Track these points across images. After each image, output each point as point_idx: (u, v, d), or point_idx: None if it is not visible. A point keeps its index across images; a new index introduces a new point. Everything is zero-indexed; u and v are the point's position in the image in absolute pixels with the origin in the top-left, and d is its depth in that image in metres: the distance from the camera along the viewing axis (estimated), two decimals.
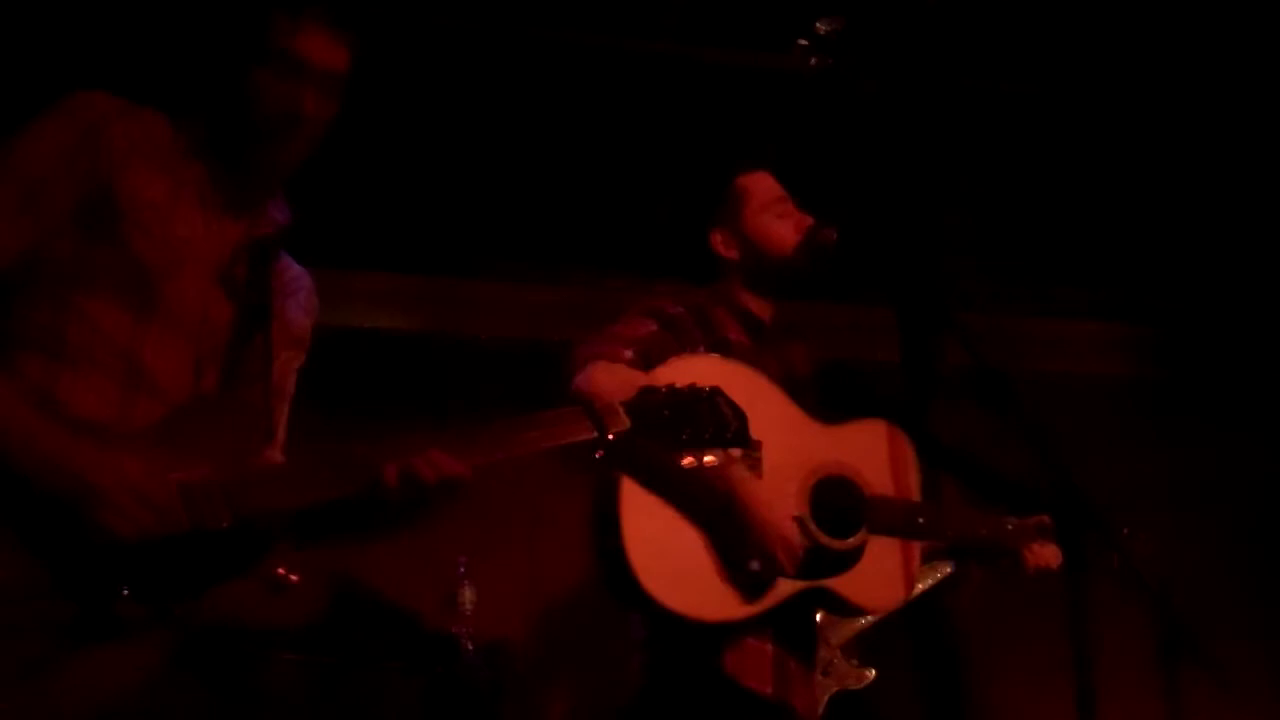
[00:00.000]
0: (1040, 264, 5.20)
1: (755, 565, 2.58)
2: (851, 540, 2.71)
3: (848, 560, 2.70)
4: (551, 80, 4.36)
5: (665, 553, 2.55)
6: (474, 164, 4.55)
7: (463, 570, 4.09)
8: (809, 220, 2.91)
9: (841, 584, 2.70)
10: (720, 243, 2.95)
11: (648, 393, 2.20)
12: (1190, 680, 2.57)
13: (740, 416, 2.20)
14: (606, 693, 2.96)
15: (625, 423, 2.14)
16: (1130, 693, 2.98)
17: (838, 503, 2.73)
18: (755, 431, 2.54)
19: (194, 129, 2.14)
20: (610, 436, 2.12)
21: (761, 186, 2.97)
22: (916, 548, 2.86)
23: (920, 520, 2.82)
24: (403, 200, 4.65)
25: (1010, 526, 2.94)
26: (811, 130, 4.31)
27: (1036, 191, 4.89)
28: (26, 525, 1.81)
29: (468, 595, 4.04)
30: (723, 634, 2.61)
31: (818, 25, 2.99)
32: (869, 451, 2.84)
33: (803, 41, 2.98)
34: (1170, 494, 5.11)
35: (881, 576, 2.76)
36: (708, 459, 2.19)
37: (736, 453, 2.22)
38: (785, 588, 2.63)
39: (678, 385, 2.22)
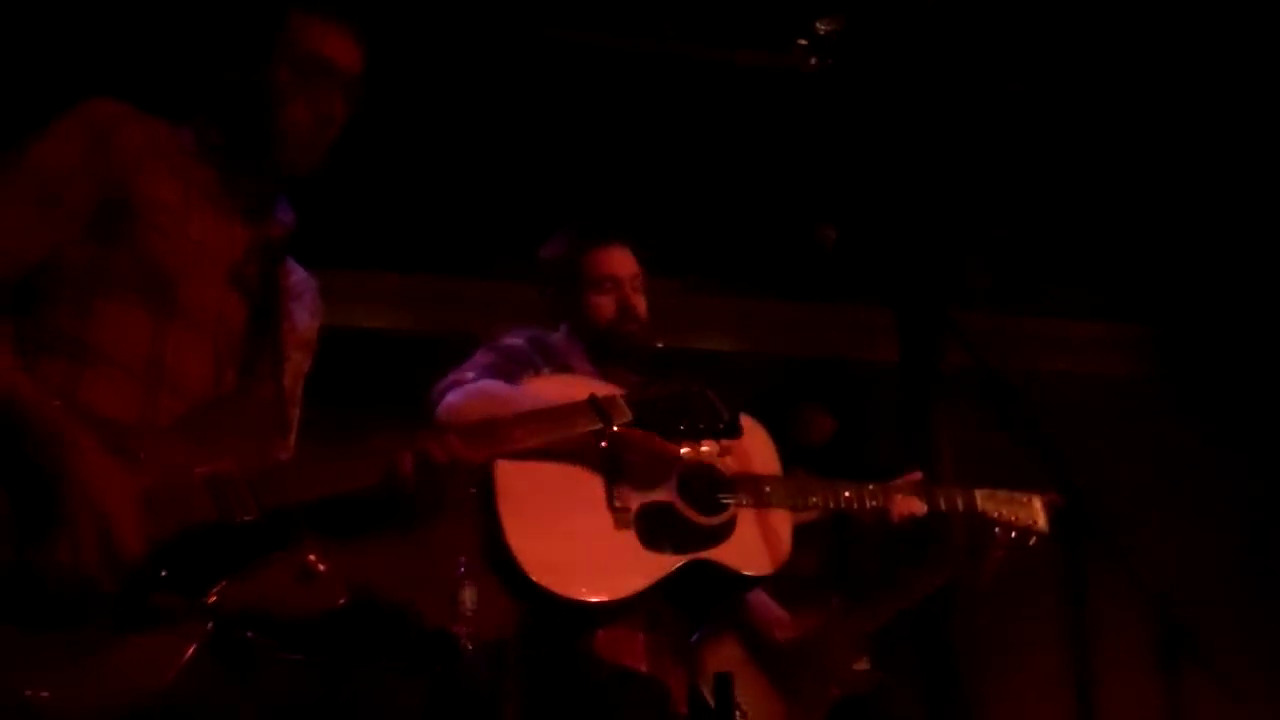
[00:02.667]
0: (1040, 264, 5.21)
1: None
2: (721, 516, 2.84)
3: (721, 533, 2.83)
4: (551, 80, 4.36)
5: (547, 540, 2.65)
6: (474, 164, 4.56)
7: (463, 570, 4.09)
8: (636, 304, 3.02)
9: (719, 554, 2.82)
10: (549, 301, 3.10)
11: (646, 386, 2.30)
12: (1190, 680, 2.57)
13: (731, 409, 2.27)
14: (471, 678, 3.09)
15: (628, 414, 2.22)
16: (1130, 693, 2.98)
17: (703, 486, 2.85)
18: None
19: (202, 133, 2.15)
20: (615, 427, 2.21)
21: (597, 263, 3.07)
22: (788, 517, 2.98)
23: (766, 489, 2.95)
24: (403, 200, 4.66)
25: (870, 486, 3.06)
26: (812, 129, 4.32)
27: (1037, 191, 4.89)
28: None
29: (468, 595, 4.03)
30: (604, 616, 2.73)
31: (818, 25, 3.00)
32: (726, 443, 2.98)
33: (803, 41, 2.99)
34: (1170, 493, 5.11)
35: (756, 544, 2.89)
36: (704, 448, 2.26)
37: (729, 443, 2.28)
38: (668, 562, 2.75)
39: (668, 381, 2.28)
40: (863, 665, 3.41)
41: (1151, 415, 5.32)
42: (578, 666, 2.76)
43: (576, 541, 2.69)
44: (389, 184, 4.56)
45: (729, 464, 2.90)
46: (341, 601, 1.98)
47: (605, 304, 3.05)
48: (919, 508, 3.07)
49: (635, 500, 2.75)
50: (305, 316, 2.30)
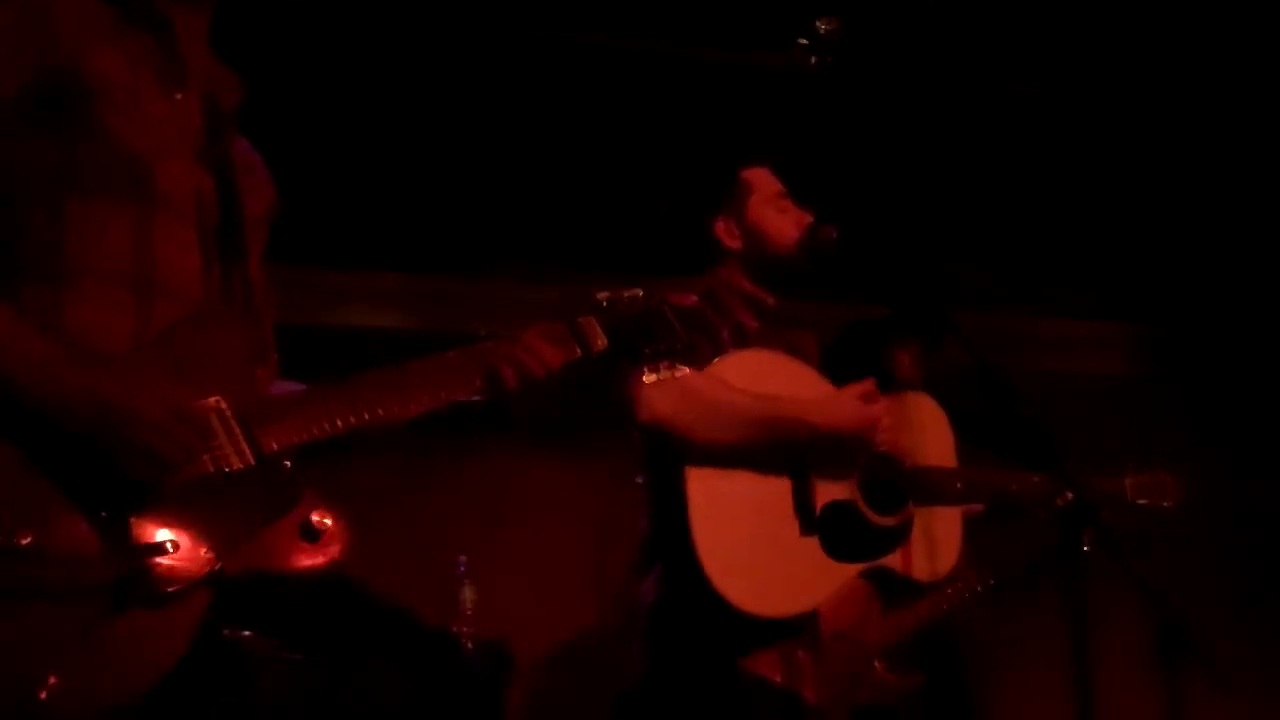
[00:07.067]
0: (1040, 264, 5.20)
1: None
2: (900, 515, 2.75)
3: (899, 535, 2.75)
4: (552, 80, 4.36)
5: (740, 558, 2.57)
6: (475, 164, 4.55)
7: (463, 570, 4.09)
8: (808, 218, 2.93)
9: (895, 561, 2.74)
10: (723, 231, 2.95)
11: (614, 303, 2.14)
12: (1190, 680, 2.57)
13: (688, 328, 2.18)
14: (608, 680, 2.98)
15: (603, 340, 2.08)
16: (1130, 693, 2.98)
17: (884, 479, 2.77)
18: None
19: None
20: (595, 355, 2.07)
21: (763, 180, 2.99)
22: (958, 512, 2.90)
23: (959, 485, 2.88)
24: (403, 200, 4.66)
25: (1035, 479, 2.96)
26: (812, 129, 4.31)
27: (1037, 191, 4.89)
28: (65, 475, 1.66)
29: (468, 595, 4.04)
30: (785, 631, 2.65)
31: (818, 24, 2.99)
32: (907, 424, 2.89)
33: (803, 41, 2.98)
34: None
35: (929, 547, 2.81)
36: (665, 372, 2.17)
37: (684, 370, 2.21)
38: (847, 570, 2.67)
39: (627, 295, 2.16)
40: (892, 675, 3.35)
41: (1151, 415, 5.31)
42: (713, 673, 2.64)
43: (768, 554, 2.60)
44: (390, 184, 4.56)
45: (910, 453, 2.80)
46: (316, 614, 1.90)
47: (788, 224, 2.92)
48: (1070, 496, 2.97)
49: (819, 498, 2.67)
50: (258, 189, 2.11)
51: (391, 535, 4.26)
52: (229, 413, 1.77)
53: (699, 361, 2.70)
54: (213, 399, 1.77)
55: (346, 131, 4.21)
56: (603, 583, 4.39)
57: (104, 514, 1.67)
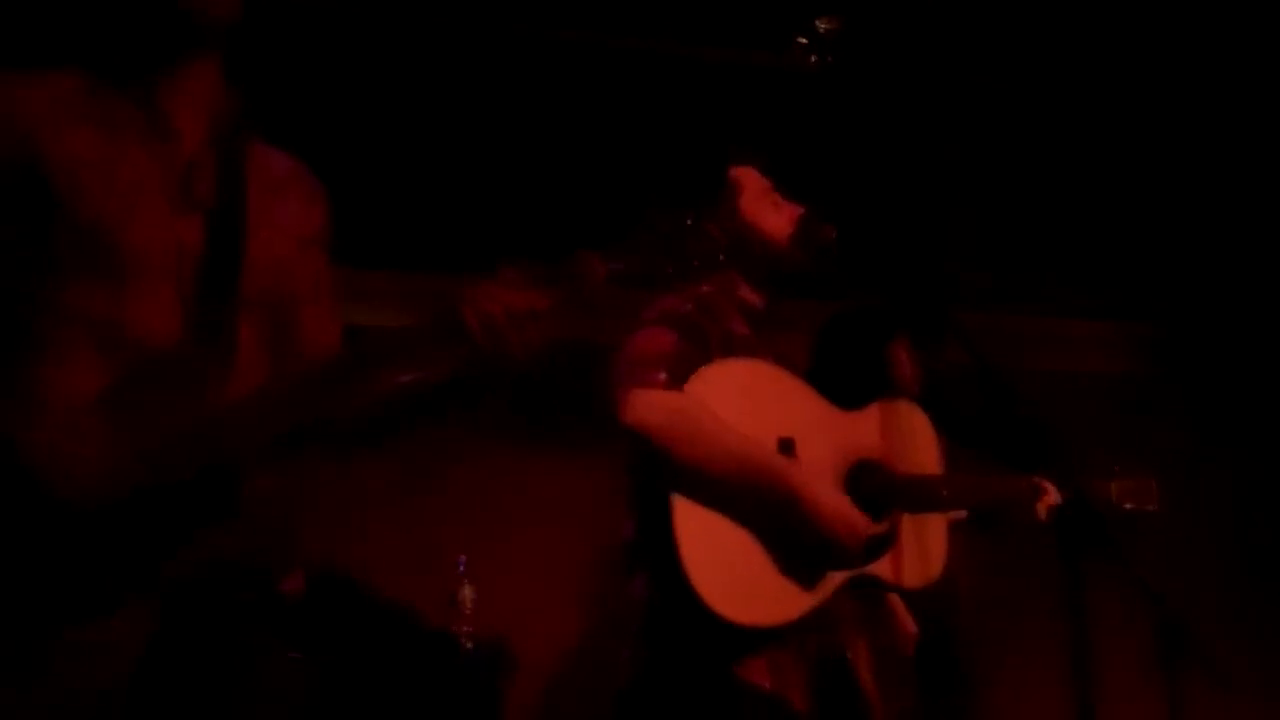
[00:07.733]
0: (1040, 264, 5.20)
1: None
2: (886, 523, 2.74)
3: (886, 543, 2.73)
4: (552, 80, 4.36)
5: (724, 566, 2.56)
6: (474, 163, 4.55)
7: (463, 570, 4.09)
8: (800, 210, 2.92)
9: (882, 568, 2.73)
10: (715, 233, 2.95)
11: (630, 237, 2.02)
12: (1190, 680, 2.57)
13: (731, 235, 2.00)
14: (596, 684, 2.98)
15: (603, 270, 1.94)
16: (1130, 693, 2.97)
17: (871, 487, 2.75)
18: (789, 427, 2.66)
19: (106, 72, 1.91)
20: (589, 287, 1.93)
21: (752, 178, 2.98)
22: (943, 520, 2.90)
23: (945, 492, 2.87)
24: (404, 199, 4.65)
25: (1022, 484, 2.95)
26: (811, 129, 4.31)
27: (1037, 190, 4.89)
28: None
29: (468, 594, 4.03)
30: (772, 638, 2.64)
31: (817, 24, 3.00)
32: (892, 431, 2.88)
33: (802, 40, 2.98)
34: (1169, 493, 5.09)
35: (916, 554, 2.80)
36: (704, 289, 2.01)
37: (738, 279, 2.00)
38: (835, 578, 2.66)
39: (657, 214, 2.03)
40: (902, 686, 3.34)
41: (1151, 415, 5.31)
42: (702, 679, 2.63)
43: (754, 563, 2.59)
44: (389, 183, 4.56)
45: (896, 460, 2.78)
46: (316, 613, 1.87)
47: (780, 219, 2.88)
48: (1056, 498, 2.92)
49: None
50: (297, 207, 2.06)
51: (391, 535, 4.25)
52: (173, 434, 1.76)
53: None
54: (155, 432, 1.76)
55: (344, 130, 4.21)
56: (602, 582, 4.39)
57: (35, 540, 1.67)
